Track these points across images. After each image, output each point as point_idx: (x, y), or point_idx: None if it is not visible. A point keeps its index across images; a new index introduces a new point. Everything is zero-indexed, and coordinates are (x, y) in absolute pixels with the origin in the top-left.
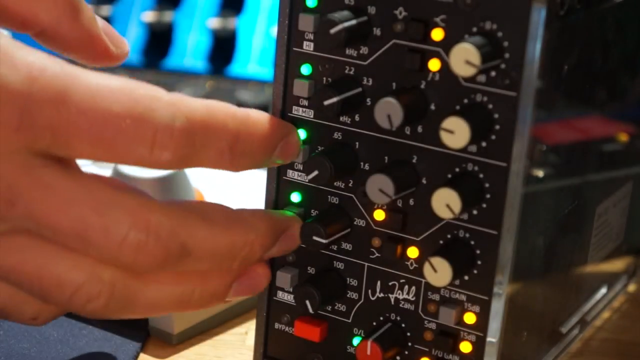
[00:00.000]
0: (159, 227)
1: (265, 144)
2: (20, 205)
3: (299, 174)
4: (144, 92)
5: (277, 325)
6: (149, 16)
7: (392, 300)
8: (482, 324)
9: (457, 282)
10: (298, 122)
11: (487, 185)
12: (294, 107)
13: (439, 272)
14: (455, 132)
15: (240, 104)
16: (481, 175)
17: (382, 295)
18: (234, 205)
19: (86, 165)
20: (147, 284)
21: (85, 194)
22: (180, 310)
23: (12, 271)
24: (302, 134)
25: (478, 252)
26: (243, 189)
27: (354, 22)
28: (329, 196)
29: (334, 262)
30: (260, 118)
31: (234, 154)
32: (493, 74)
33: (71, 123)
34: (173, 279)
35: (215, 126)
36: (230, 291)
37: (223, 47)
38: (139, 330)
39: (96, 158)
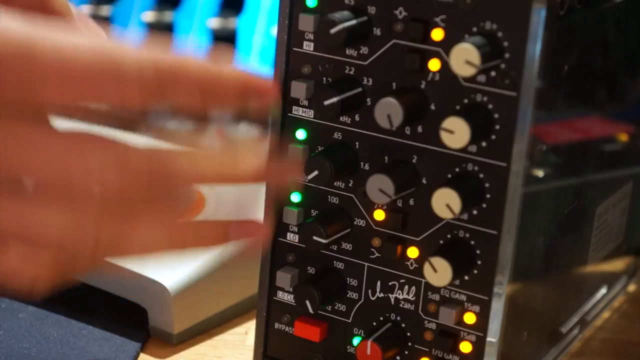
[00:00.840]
0: (136, 154)
1: (235, 85)
2: None
3: None
4: (109, 43)
5: (277, 325)
6: (149, 16)
7: (392, 300)
8: (482, 324)
9: (457, 282)
10: (298, 122)
11: (487, 185)
12: (294, 107)
13: (439, 272)
14: (455, 132)
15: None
16: (481, 175)
17: (382, 295)
18: (234, 205)
19: None
20: (134, 225)
21: (61, 141)
22: (174, 254)
23: None
24: (302, 134)
25: (478, 252)
26: (243, 189)
27: (354, 22)
28: (329, 196)
29: (334, 262)
30: (232, 68)
31: (204, 97)
32: (493, 74)
33: (38, 75)
34: (162, 223)
35: (183, 70)
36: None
37: (223, 47)
38: (139, 330)
39: (66, 107)
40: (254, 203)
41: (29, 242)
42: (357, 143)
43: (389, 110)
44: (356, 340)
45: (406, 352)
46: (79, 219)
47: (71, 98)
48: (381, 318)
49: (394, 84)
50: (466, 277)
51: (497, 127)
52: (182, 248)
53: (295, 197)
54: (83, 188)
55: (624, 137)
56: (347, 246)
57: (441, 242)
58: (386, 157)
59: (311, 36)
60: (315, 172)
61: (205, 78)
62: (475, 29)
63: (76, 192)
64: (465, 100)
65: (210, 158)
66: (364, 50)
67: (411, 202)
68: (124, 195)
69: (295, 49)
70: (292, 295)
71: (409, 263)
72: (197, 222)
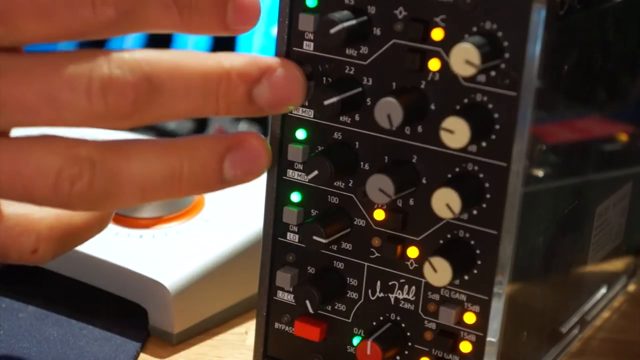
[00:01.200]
0: (122, 64)
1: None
2: None
3: (299, 173)
4: None
5: (277, 325)
6: None
7: (392, 300)
8: (482, 323)
9: (457, 282)
10: (298, 122)
11: (487, 185)
12: None
13: (439, 272)
14: (455, 132)
15: None
16: (481, 175)
17: (382, 295)
18: (234, 205)
19: None
20: (128, 158)
21: (40, 63)
22: (174, 193)
23: None
24: (302, 133)
25: (478, 252)
26: (243, 189)
27: (354, 22)
28: (329, 196)
29: (334, 262)
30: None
31: (180, 6)
32: (493, 73)
33: (12, 3)
34: (156, 151)
35: None
36: (225, 165)
37: (223, 47)
38: (139, 330)
39: (45, 34)
40: (253, 203)
41: (25, 196)
42: (357, 143)
43: (389, 110)
44: (356, 340)
45: (406, 352)
46: (72, 157)
47: (47, 23)
48: (381, 318)
49: (394, 84)
50: (466, 277)
51: (497, 127)
52: (179, 181)
53: (295, 197)
54: (72, 102)
55: (624, 137)
56: (347, 246)
57: (441, 242)
58: (386, 157)
59: (311, 36)
60: (315, 172)
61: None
62: (475, 29)
63: (65, 108)
64: (465, 100)
65: (193, 57)
66: (364, 50)
67: (411, 202)
68: (111, 106)
69: (295, 49)
70: (292, 295)
71: (409, 263)
72: (192, 142)
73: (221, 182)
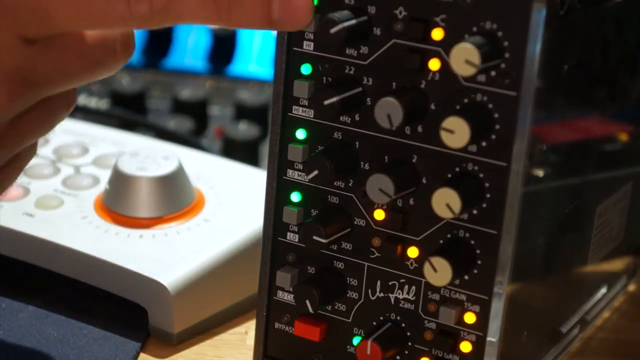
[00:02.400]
0: None
1: None
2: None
3: (299, 173)
4: None
5: (277, 325)
6: None
7: (392, 300)
8: (482, 323)
9: (457, 281)
10: (298, 122)
11: (487, 185)
12: (294, 106)
13: (439, 272)
14: (455, 132)
15: (240, 104)
16: (481, 175)
17: (382, 295)
18: (235, 205)
19: (86, 166)
20: None
21: None
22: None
23: None
24: (302, 133)
25: (478, 252)
26: (243, 189)
27: (354, 21)
28: (329, 196)
29: (334, 261)
30: None
31: (218, 1)
32: (493, 73)
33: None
34: None
35: None
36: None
37: (223, 47)
38: (139, 330)
39: (81, 27)
40: (253, 203)
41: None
42: (357, 143)
43: (389, 110)
44: (356, 340)
45: (406, 352)
46: None
47: (84, 17)
48: (381, 318)
49: (394, 84)
50: (466, 277)
51: (497, 126)
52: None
53: (295, 197)
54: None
55: (624, 137)
56: (347, 246)
57: (441, 241)
58: (386, 157)
59: (311, 36)
60: (315, 172)
61: None
62: (475, 29)
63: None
64: (465, 100)
65: None
66: (364, 50)
67: (411, 201)
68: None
69: (295, 48)
70: (292, 295)
71: (409, 263)
72: None
73: (269, 22)
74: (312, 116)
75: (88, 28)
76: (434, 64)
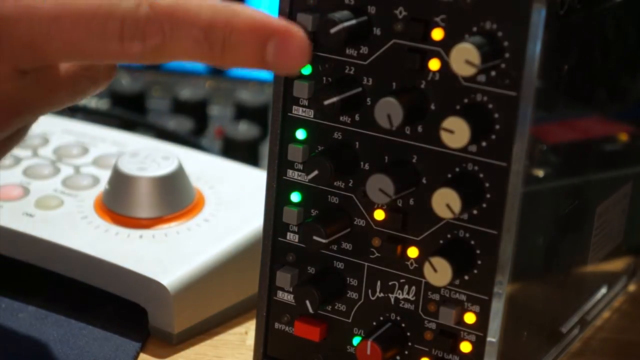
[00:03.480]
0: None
1: (250, 33)
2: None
3: (299, 174)
4: None
5: (277, 325)
6: None
7: (392, 300)
8: (482, 324)
9: (457, 282)
10: (298, 122)
11: (487, 185)
12: (294, 106)
13: (439, 272)
14: (455, 132)
15: (240, 104)
16: (481, 175)
17: (382, 295)
18: (235, 205)
19: (86, 166)
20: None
21: None
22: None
23: None
24: (302, 133)
25: (478, 252)
26: (243, 189)
27: (354, 21)
28: (329, 196)
29: (334, 262)
30: (243, 7)
31: (212, 43)
32: (493, 73)
33: (44, 33)
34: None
35: (184, 12)
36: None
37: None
38: (139, 330)
39: (73, 60)
40: (253, 203)
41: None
42: (357, 143)
43: (389, 110)
44: (356, 340)
45: (406, 352)
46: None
47: (78, 52)
48: (381, 318)
49: (394, 84)
50: (466, 277)
51: (497, 127)
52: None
53: (295, 197)
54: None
55: (624, 137)
56: (347, 246)
57: (441, 242)
58: (386, 157)
59: (311, 36)
60: (315, 172)
61: (211, 18)
62: (475, 29)
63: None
64: (465, 100)
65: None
66: (364, 50)
67: (411, 202)
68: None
69: None
70: (292, 295)
71: (409, 263)
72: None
73: (262, 63)
74: (312, 116)
75: (80, 61)
76: (434, 64)
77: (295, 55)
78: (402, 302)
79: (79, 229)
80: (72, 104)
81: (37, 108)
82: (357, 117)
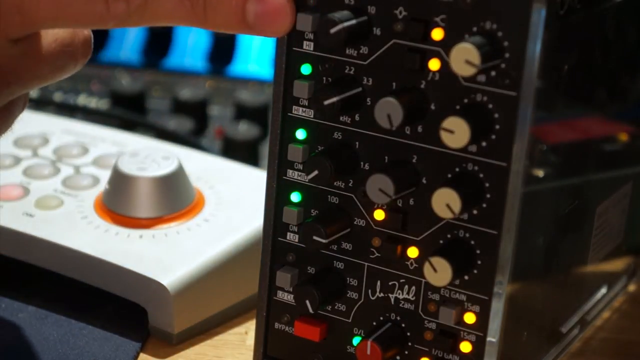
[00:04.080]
0: None
1: None
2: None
3: (299, 174)
4: None
5: (277, 325)
6: None
7: (392, 300)
8: (482, 323)
9: (457, 282)
10: (298, 122)
11: (487, 185)
12: (294, 107)
13: (439, 272)
14: (455, 132)
15: (240, 104)
16: (481, 175)
17: (382, 295)
18: (234, 205)
19: (86, 166)
20: None
21: None
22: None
23: None
24: (302, 134)
25: (478, 252)
26: (243, 189)
27: (354, 21)
28: (329, 196)
29: (334, 262)
30: None
31: (194, 2)
32: (493, 73)
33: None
34: None
35: None
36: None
37: (223, 47)
38: (139, 330)
39: (60, 25)
40: (253, 203)
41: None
42: (357, 143)
43: (389, 110)
44: (356, 340)
45: (406, 352)
46: None
47: (65, 16)
48: (381, 318)
49: (394, 84)
50: (466, 277)
51: (497, 127)
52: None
53: (295, 197)
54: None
55: (624, 137)
56: (347, 246)
57: (441, 242)
58: (386, 157)
59: (311, 36)
60: (315, 172)
61: None
62: (475, 29)
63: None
64: (465, 100)
65: None
66: (364, 50)
67: (411, 202)
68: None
69: (295, 48)
70: (292, 295)
71: (409, 263)
72: None
73: (243, 23)
74: (312, 116)
75: (66, 26)
76: (434, 64)
77: (275, 14)
78: (402, 302)
79: (79, 229)
80: (52, 81)
81: (24, 80)
82: (357, 117)
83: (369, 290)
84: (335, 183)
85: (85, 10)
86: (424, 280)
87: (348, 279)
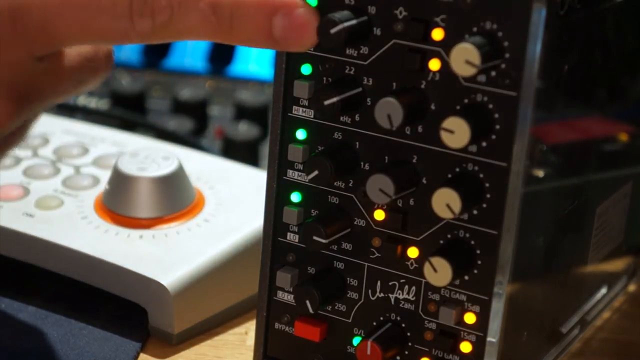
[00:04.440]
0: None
1: (256, 6)
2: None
3: (299, 174)
4: None
5: (277, 325)
6: None
7: (392, 300)
8: (482, 324)
9: (457, 282)
10: (298, 122)
11: (487, 185)
12: (294, 107)
13: (439, 272)
14: (455, 132)
15: (240, 104)
16: (481, 175)
17: (382, 295)
18: (234, 205)
19: (86, 166)
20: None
21: None
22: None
23: None
24: (302, 134)
25: (478, 252)
26: (243, 189)
27: (354, 22)
28: (329, 196)
29: (334, 262)
30: None
31: (219, 17)
32: (493, 73)
33: (57, 15)
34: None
35: None
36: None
37: (223, 47)
38: (139, 331)
39: (84, 41)
40: (253, 203)
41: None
42: (357, 143)
43: (389, 110)
44: (356, 340)
45: (406, 352)
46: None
47: (90, 33)
48: (381, 318)
49: (394, 84)
50: (466, 277)
51: (497, 127)
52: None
53: (295, 197)
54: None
55: (624, 137)
56: (347, 246)
57: (441, 242)
58: (386, 157)
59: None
60: (315, 172)
61: None
62: (475, 29)
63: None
64: (466, 100)
65: None
66: (364, 50)
67: (411, 202)
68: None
69: None
70: (292, 295)
71: (409, 263)
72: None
73: (270, 39)
74: (312, 116)
75: (91, 43)
76: (434, 64)
77: (302, 29)
78: (402, 302)
79: (79, 229)
80: (74, 95)
81: (46, 97)
82: (357, 117)
83: (369, 291)
84: (335, 183)
85: (110, 27)
86: (424, 280)
87: (348, 279)
